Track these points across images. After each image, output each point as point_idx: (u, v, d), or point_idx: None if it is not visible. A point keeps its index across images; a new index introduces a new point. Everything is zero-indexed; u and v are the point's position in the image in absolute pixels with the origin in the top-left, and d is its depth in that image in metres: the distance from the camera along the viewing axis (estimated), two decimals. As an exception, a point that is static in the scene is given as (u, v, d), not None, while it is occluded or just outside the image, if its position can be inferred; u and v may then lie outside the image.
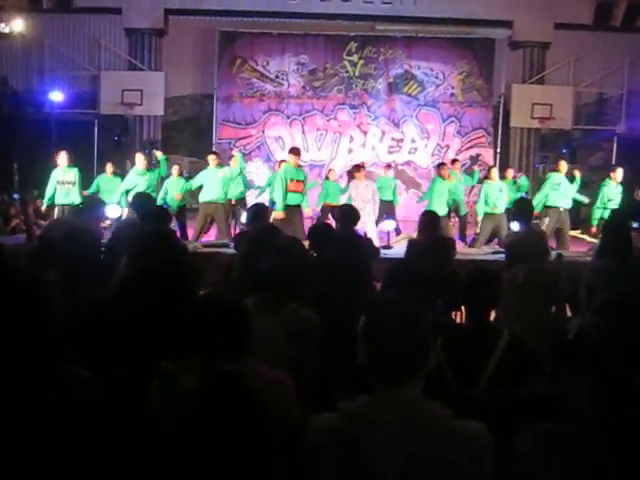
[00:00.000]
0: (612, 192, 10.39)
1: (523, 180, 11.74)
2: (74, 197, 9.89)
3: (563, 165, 10.50)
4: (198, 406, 1.95)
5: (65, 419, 2.04)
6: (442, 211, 9.81)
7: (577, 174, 10.61)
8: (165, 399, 2.17)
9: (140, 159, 10.25)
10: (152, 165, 11.13)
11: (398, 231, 10.94)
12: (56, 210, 10.00)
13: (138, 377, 2.47)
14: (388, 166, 12.71)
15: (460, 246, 10.25)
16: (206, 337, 2.21)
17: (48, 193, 9.97)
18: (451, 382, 2.85)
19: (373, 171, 14.04)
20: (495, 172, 10.90)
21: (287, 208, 9.18)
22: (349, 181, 10.89)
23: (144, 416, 2.25)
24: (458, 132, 14.88)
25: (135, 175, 10.15)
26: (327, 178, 11.57)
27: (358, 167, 10.59)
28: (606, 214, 10.16)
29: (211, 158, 10.22)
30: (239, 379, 1.98)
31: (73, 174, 10.11)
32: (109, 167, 11.25)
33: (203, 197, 10.10)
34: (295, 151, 9.80)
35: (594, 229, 10.61)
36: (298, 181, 9.52)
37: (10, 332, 2.02)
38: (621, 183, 10.50)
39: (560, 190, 10.21)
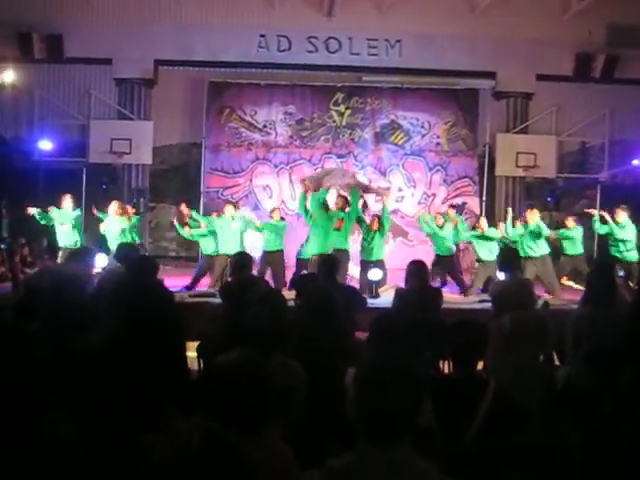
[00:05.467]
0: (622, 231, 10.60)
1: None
2: (75, 239, 10.23)
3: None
4: (196, 468, 1.90)
5: (43, 467, 2.01)
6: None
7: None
8: (168, 451, 2.11)
9: (113, 207, 10.39)
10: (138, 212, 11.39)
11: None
12: (60, 253, 10.27)
13: (122, 426, 2.45)
14: (452, 207, 12.62)
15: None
16: (226, 405, 2.08)
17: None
18: (439, 434, 2.83)
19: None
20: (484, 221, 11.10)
21: None
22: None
23: (140, 463, 2.18)
24: (444, 181, 15.01)
25: (110, 221, 10.25)
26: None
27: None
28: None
29: (228, 208, 10.57)
30: (239, 454, 1.92)
31: (76, 217, 10.40)
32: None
33: (222, 249, 10.33)
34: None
35: None
36: None
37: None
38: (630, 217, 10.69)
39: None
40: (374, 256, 10.43)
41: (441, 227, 11.38)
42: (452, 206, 12.73)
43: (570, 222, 11.43)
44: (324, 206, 9.94)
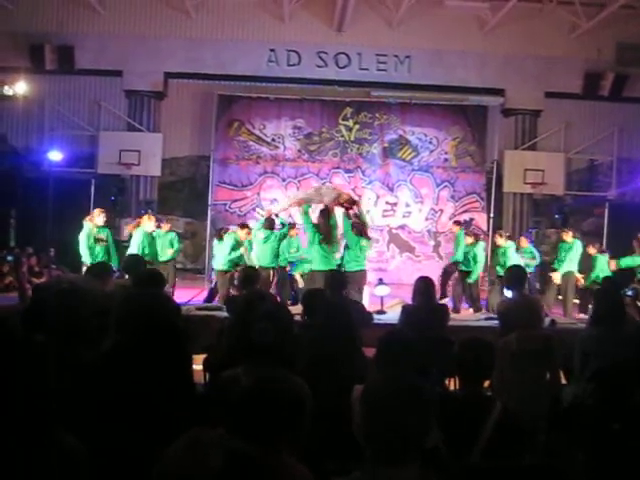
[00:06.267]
0: None
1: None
2: (104, 257, 9.46)
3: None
4: None
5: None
6: None
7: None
8: (186, 466, 2.09)
9: (148, 221, 9.82)
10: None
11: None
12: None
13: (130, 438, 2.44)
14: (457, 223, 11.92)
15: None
16: (254, 424, 2.04)
17: (86, 250, 9.45)
18: (444, 452, 2.81)
19: None
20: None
21: None
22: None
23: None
24: (452, 197, 15.02)
25: (145, 235, 9.68)
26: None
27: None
28: None
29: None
30: (264, 470, 1.90)
31: (106, 234, 9.81)
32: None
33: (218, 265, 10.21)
34: None
35: None
36: None
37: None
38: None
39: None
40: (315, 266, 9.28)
41: (473, 244, 10.96)
42: (457, 222, 12.39)
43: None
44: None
